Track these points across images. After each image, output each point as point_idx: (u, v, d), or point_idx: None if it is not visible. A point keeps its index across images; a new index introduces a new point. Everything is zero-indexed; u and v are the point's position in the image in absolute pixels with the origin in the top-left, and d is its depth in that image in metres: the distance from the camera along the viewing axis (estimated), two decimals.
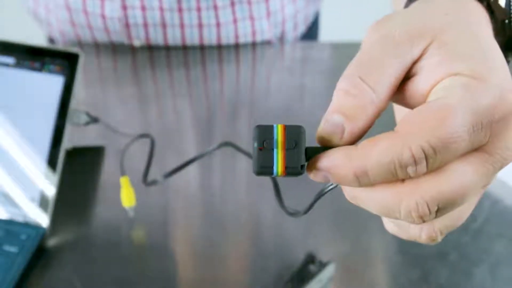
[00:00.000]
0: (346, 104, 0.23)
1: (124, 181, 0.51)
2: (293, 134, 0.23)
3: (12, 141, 0.50)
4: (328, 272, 0.46)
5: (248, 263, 0.49)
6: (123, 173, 0.51)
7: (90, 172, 0.57)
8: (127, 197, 0.50)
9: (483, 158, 0.22)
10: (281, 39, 0.79)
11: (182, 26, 0.72)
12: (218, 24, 0.72)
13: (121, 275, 0.47)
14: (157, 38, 0.73)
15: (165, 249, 0.49)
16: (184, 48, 0.75)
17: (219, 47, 0.75)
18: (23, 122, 0.51)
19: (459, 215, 0.25)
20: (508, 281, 0.46)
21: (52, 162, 0.50)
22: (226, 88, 0.70)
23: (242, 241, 0.51)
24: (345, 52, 0.74)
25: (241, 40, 0.75)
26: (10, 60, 0.51)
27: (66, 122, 0.50)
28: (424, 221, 0.22)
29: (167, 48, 0.75)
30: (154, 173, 0.50)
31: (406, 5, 0.29)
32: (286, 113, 0.65)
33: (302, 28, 0.81)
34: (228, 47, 0.75)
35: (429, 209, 0.22)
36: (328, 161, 0.23)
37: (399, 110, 0.31)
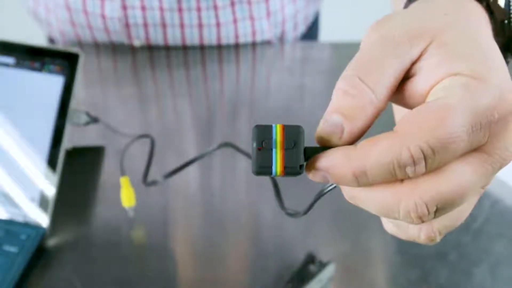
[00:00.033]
0: (345, 104, 0.23)
1: (124, 181, 0.51)
2: (292, 134, 0.23)
3: (12, 141, 0.50)
4: (328, 272, 0.46)
5: (248, 263, 0.49)
6: (123, 173, 0.51)
7: (90, 172, 0.57)
8: (127, 197, 0.50)
9: (482, 158, 0.22)
10: (281, 39, 0.78)
11: (182, 26, 0.72)
12: (218, 24, 0.72)
13: (121, 275, 0.47)
14: (157, 38, 0.73)
15: (165, 249, 0.49)
16: (184, 48, 0.75)
17: (219, 47, 0.75)
18: (23, 122, 0.51)
19: (458, 215, 0.25)
20: (508, 281, 0.46)
21: (52, 162, 0.50)
22: (226, 88, 0.70)
23: (242, 241, 0.51)
24: (345, 52, 0.74)
25: (241, 40, 0.75)
26: (10, 60, 0.51)
27: (66, 122, 0.50)
28: (423, 222, 0.22)
29: (167, 48, 0.75)
30: (154, 173, 0.50)
31: (406, 5, 0.29)
32: (286, 113, 0.65)
33: (302, 28, 0.81)
34: (228, 47, 0.75)
35: (428, 210, 0.22)
36: (327, 161, 0.23)
37: (398, 110, 0.31)
